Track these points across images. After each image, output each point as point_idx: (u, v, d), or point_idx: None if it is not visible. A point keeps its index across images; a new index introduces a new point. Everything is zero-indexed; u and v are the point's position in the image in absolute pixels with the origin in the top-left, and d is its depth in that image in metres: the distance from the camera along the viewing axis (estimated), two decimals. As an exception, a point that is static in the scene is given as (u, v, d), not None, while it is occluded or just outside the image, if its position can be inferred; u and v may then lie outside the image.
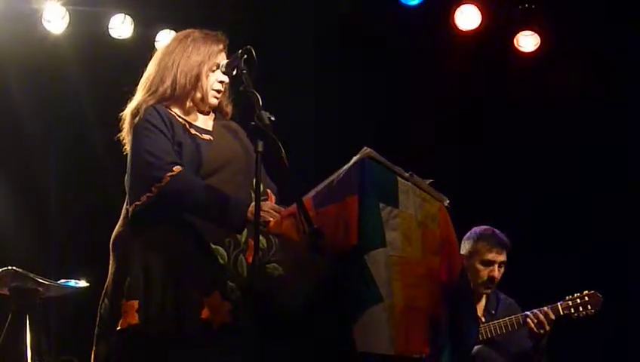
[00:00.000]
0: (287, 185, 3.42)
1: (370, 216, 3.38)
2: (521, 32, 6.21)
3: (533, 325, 4.63)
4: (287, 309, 3.42)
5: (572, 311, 4.69)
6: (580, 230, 6.01)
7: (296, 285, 3.45)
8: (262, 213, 3.31)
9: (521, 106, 6.13)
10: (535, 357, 4.75)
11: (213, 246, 3.42)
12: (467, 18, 6.14)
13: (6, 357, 4.81)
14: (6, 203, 6.03)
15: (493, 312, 4.83)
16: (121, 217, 3.55)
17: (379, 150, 3.48)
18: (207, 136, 3.58)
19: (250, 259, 3.42)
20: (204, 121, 3.65)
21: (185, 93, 3.58)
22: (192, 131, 3.55)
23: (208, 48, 3.60)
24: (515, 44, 6.23)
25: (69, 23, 5.90)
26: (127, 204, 3.51)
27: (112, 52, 6.01)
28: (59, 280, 4.97)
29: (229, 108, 3.75)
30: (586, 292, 4.72)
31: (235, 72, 3.51)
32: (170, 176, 3.38)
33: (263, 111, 3.32)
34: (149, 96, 3.56)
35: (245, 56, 3.45)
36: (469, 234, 4.84)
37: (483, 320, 4.75)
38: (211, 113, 3.70)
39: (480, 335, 4.58)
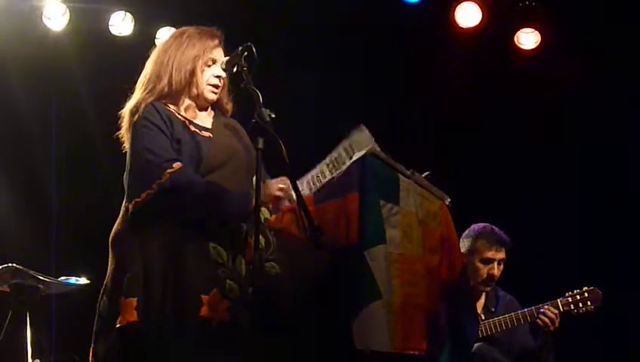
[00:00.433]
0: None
1: (371, 213, 3.38)
2: (521, 30, 6.21)
3: (544, 323, 4.63)
4: (284, 307, 3.43)
5: (572, 307, 4.69)
6: (580, 227, 6.01)
7: (293, 283, 3.45)
8: (278, 192, 3.40)
9: (521, 104, 6.13)
10: (543, 354, 4.75)
11: (212, 245, 3.41)
12: (468, 15, 6.14)
13: (6, 354, 4.81)
14: (6, 200, 6.03)
15: (493, 309, 4.83)
16: (120, 215, 3.55)
17: (379, 148, 3.48)
18: (206, 133, 3.57)
19: (250, 257, 3.42)
20: (203, 118, 3.65)
21: (181, 88, 3.58)
22: (192, 128, 3.55)
23: (203, 43, 3.61)
24: (516, 42, 6.24)
25: (70, 20, 5.90)
26: (126, 202, 3.51)
27: (113, 49, 6.01)
28: (59, 277, 4.97)
29: (229, 106, 3.75)
30: (586, 288, 4.73)
31: (235, 69, 3.51)
32: (170, 172, 3.38)
33: (263, 109, 3.32)
34: (147, 93, 3.56)
35: (246, 53, 3.45)
36: (467, 231, 4.85)
37: (482, 317, 4.75)
38: (210, 110, 3.69)
39: (480, 333, 4.58)
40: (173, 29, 5.73)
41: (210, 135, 3.58)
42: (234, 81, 3.58)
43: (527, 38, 6.23)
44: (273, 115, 3.32)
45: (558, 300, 4.71)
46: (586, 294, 4.71)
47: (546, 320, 4.63)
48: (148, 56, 3.69)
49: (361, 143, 3.48)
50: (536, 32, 6.18)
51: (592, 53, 5.98)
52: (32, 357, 4.78)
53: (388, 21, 6.13)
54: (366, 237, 3.34)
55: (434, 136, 6.13)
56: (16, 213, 6.03)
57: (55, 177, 6.20)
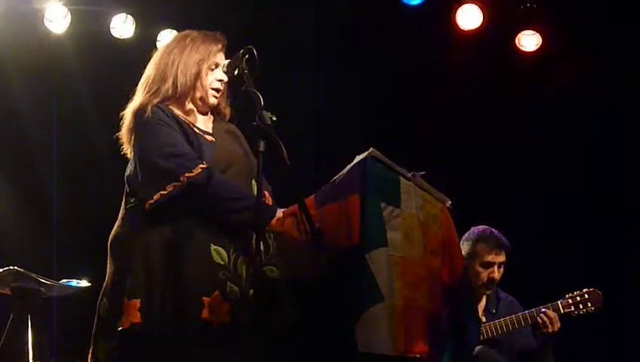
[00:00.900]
0: (288, 185, 3.42)
1: (372, 216, 3.38)
2: (522, 32, 6.22)
3: (545, 325, 4.63)
4: (284, 310, 3.43)
5: (572, 308, 4.70)
6: (580, 228, 6.01)
7: (293, 286, 3.45)
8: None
9: (522, 106, 6.13)
10: (542, 356, 4.75)
11: (214, 247, 3.41)
12: (469, 17, 6.15)
13: (7, 356, 4.81)
14: (8, 203, 6.04)
15: (494, 311, 4.83)
16: (120, 217, 3.55)
17: (380, 150, 3.48)
18: (209, 138, 3.58)
19: (249, 262, 3.43)
20: (204, 123, 3.65)
21: (185, 92, 3.58)
22: (196, 131, 3.56)
23: (207, 47, 3.61)
24: (517, 44, 6.24)
25: (71, 22, 5.91)
26: (126, 204, 3.51)
27: (114, 52, 6.02)
28: (60, 280, 4.97)
29: (227, 111, 3.75)
30: (586, 289, 4.73)
31: (236, 72, 3.51)
32: (202, 168, 3.38)
33: (264, 111, 3.32)
34: (152, 95, 3.56)
35: (247, 55, 3.45)
36: (467, 235, 4.84)
37: (484, 319, 4.75)
38: (210, 115, 3.70)
39: (481, 335, 4.58)
40: (174, 32, 5.76)
41: (213, 139, 3.58)
42: (235, 83, 3.59)
43: (528, 41, 6.23)
44: (274, 118, 3.32)
45: (559, 302, 4.72)
46: (587, 296, 4.71)
47: (545, 321, 4.64)
48: (149, 59, 3.69)
49: None
50: (537, 34, 6.19)
51: (592, 55, 5.99)
52: (33, 359, 4.78)
53: (389, 23, 6.13)
54: (367, 239, 3.33)
55: (434, 138, 6.13)
56: (16, 216, 6.03)
57: (56, 180, 6.21)
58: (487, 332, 4.69)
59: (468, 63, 6.18)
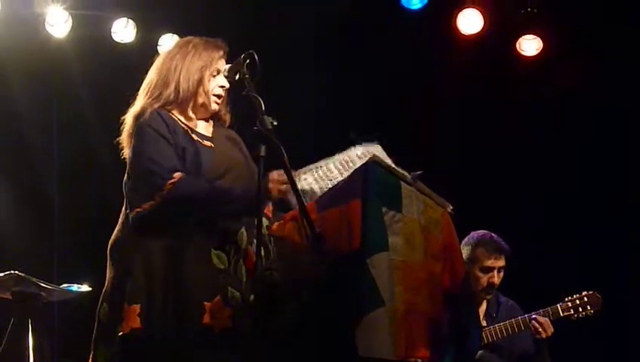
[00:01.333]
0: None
1: (373, 220, 3.38)
2: (523, 36, 6.22)
3: (537, 331, 4.63)
4: (285, 314, 3.43)
5: (572, 311, 4.70)
6: (580, 230, 6.01)
7: (292, 291, 3.45)
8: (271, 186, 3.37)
9: (523, 110, 6.13)
10: (538, 361, 4.75)
11: (214, 251, 3.42)
12: (470, 22, 6.15)
13: (8, 361, 4.81)
14: (9, 207, 6.04)
15: (495, 315, 4.83)
16: (120, 221, 3.55)
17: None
18: (208, 143, 3.58)
19: (249, 266, 3.43)
20: (205, 128, 3.66)
21: (187, 97, 3.59)
22: (194, 137, 3.56)
23: (209, 53, 3.62)
24: (518, 48, 6.25)
25: (72, 27, 5.91)
26: (126, 209, 3.52)
27: (115, 56, 6.02)
28: (61, 284, 4.97)
29: (227, 117, 3.76)
30: (586, 292, 4.73)
31: (237, 77, 3.51)
32: (171, 183, 3.38)
33: (265, 116, 3.33)
34: (153, 100, 3.57)
35: (248, 60, 3.46)
36: (466, 239, 4.84)
37: (484, 324, 4.75)
38: (210, 121, 3.70)
39: (482, 340, 4.57)
40: (175, 36, 5.77)
41: (212, 144, 3.59)
42: (236, 88, 3.59)
43: (529, 45, 6.23)
44: (275, 123, 3.32)
45: (558, 305, 4.72)
46: (586, 299, 4.71)
47: (537, 326, 4.64)
48: (150, 63, 3.70)
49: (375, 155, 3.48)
50: (538, 38, 6.19)
51: (593, 59, 5.99)
52: (33, 364, 4.79)
53: (390, 27, 6.13)
54: (368, 244, 3.33)
55: (434, 141, 6.13)
56: (17, 220, 6.03)
57: (56, 184, 6.20)
58: (487, 336, 4.68)
59: (469, 68, 6.18)
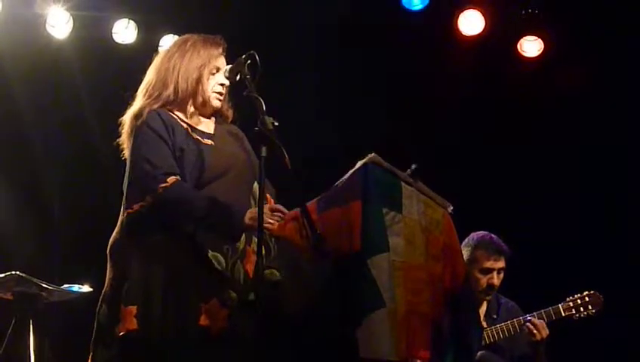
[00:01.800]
0: (289, 190, 3.42)
1: (374, 221, 3.38)
2: (524, 37, 6.21)
3: (532, 333, 4.63)
4: (285, 314, 3.42)
5: (573, 311, 4.70)
6: (580, 230, 6.01)
7: (293, 291, 3.45)
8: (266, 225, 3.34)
9: (524, 111, 6.13)
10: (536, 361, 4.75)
11: (212, 253, 3.42)
12: (471, 23, 6.15)
13: (9, 361, 4.81)
14: (10, 208, 6.03)
15: (495, 316, 4.83)
16: (118, 223, 3.56)
17: (380, 154, 3.48)
18: (209, 141, 3.58)
19: (248, 266, 3.43)
20: (207, 125, 3.66)
21: (187, 96, 3.59)
22: (195, 136, 3.56)
23: (208, 51, 3.62)
24: (519, 50, 6.24)
25: (73, 27, 5.91)
26: (123, 210, 3.52)
27: (116, 57, 6.02)
28: (62, 285, 4.97)
29: (229, 113, 3.76)
30: (587, 292, 4.73)
31: (238, 77, 3.51)
32: (164, 187, 3.38)
33: (266, 116, 3.32)
34: (152, 100, 3.57)
35: (249, 61, 3.46)
36: (466, 241, 4.84)
37: (484, 324, 4.74)
38: (212, 117, 3.70)
39: (482, 340, 4.57)
40: (176, 37, 5.73)
41: (213, 142, 3.58)
42: (237, 89, 3.59)
43: (530, 46, 6.23)
44: (276, 123, 3.32)
45: (560, 305, 4.71)
46: (587, 298, 4.71)
47: (532, 328, 4.63)
48: (150, 64, 3.70)
49: None
50: (539, 39, 6.19)
51: (594, 60, 5.98)
52: (34, 364, 4.79)
53: (391, 28, 6.13)
54: (369, 245, 3.33)
55: (436, 143, 6.13)
56: (18, 220, 6.03)
57: (57, 185, 6.20)
58: (487, 337, 4.68)
59: (469, 69, 6.18)
